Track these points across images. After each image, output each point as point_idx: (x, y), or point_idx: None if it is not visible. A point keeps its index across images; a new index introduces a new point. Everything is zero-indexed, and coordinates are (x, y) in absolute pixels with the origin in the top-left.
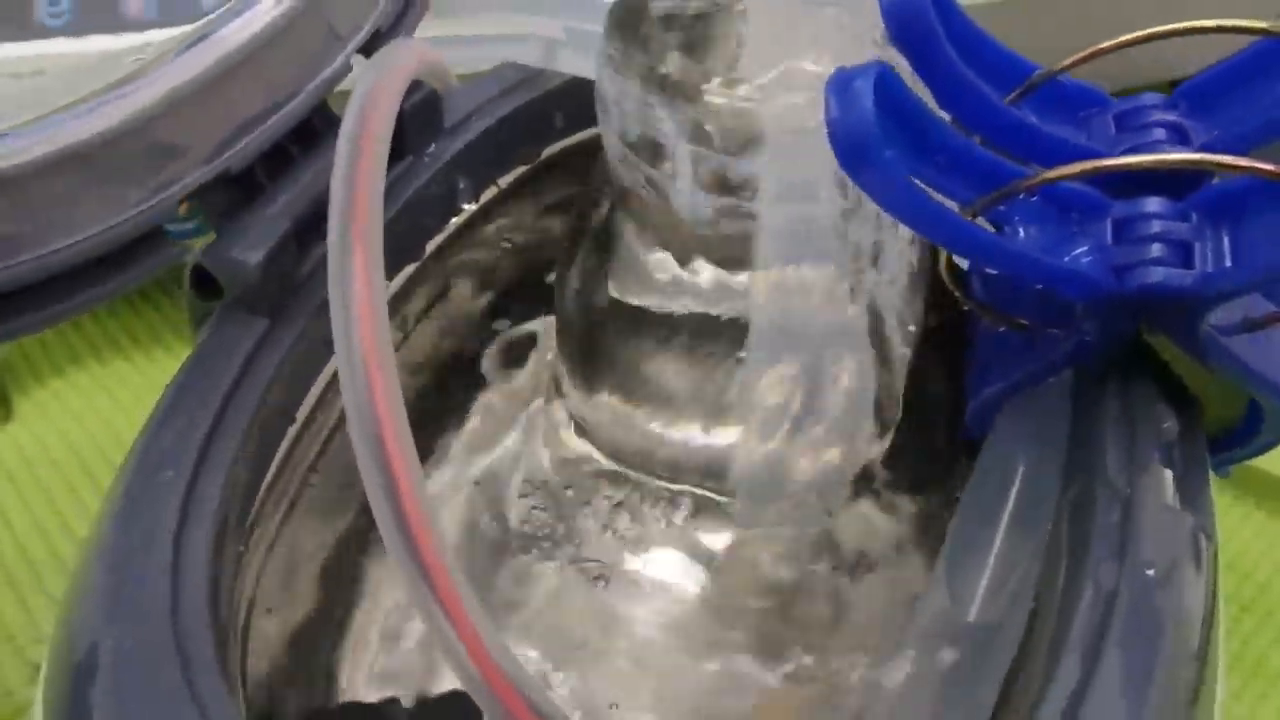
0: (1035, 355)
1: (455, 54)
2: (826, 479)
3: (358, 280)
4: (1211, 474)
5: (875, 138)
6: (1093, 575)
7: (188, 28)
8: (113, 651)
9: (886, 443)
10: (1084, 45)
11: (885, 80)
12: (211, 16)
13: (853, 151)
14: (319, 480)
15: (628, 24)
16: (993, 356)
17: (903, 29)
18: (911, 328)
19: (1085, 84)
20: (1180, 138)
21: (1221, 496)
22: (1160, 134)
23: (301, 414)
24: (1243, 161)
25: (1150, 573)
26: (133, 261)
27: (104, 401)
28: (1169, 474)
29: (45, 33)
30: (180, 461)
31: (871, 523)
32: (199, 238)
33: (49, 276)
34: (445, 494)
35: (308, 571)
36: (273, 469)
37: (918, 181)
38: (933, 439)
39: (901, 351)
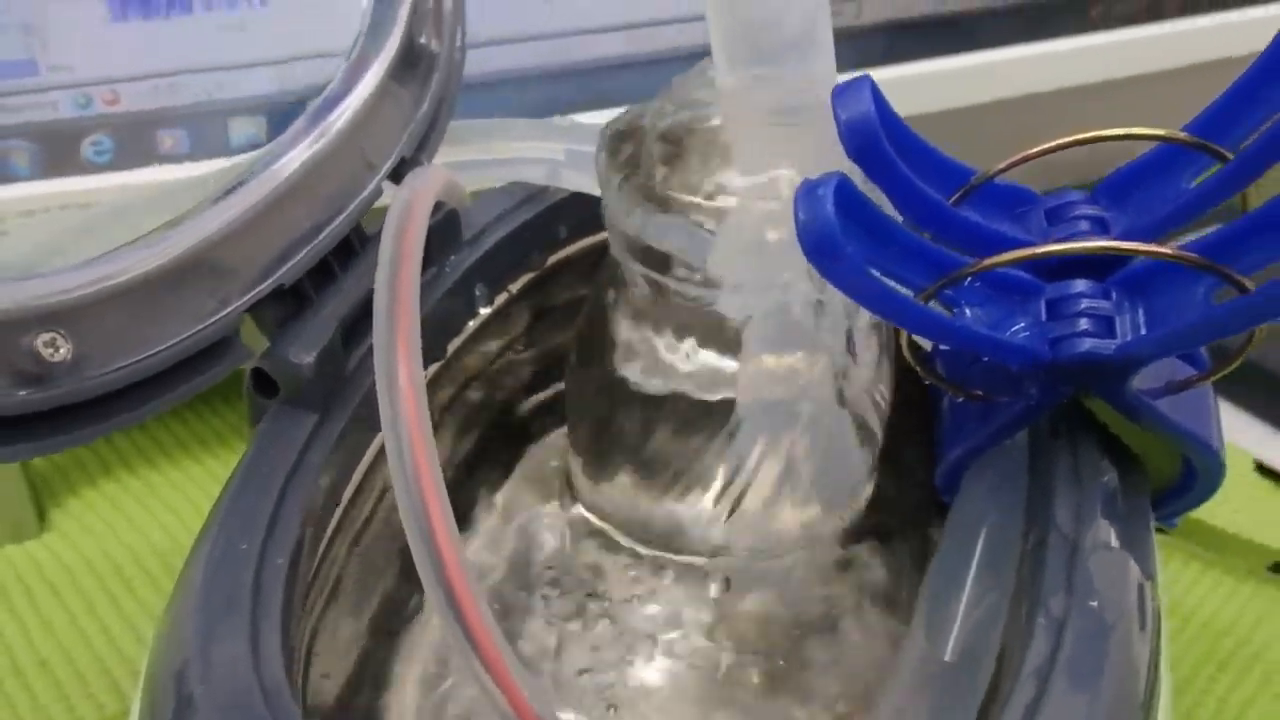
0: (991, 421)
1: (469, 175)
2: (813, 538)
3: (403, 378)
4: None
5: (836, 236)
6: (1044, 608)
7: (226, 162)
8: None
9: (865, 502)
10: (1017, 147)
11: (844, 188)
12: (263, 152)
13: (818, 249)
14: (361, 552)
15: (620, 143)
16: (956, 423)
17: (858, 146)
18: (883, 399)
19: (1017, 185)
20: (1101, 227)
21: (1192, 562)
22: (1084, 225)
23: (347, 494)
24: (1145, 246)
25: (1094, 604)
26: (200, 370)
27: (135, 510)
28: (1111, 521)
29: (91, 169)
30: (252, 536)
31: (857, 574)
32: None
33: (123, 388)
34: (477, 564)
35: (355, 629)
36: (324, 543)
37: (876, 272)
38: (911, 496)
39: (874, 420)
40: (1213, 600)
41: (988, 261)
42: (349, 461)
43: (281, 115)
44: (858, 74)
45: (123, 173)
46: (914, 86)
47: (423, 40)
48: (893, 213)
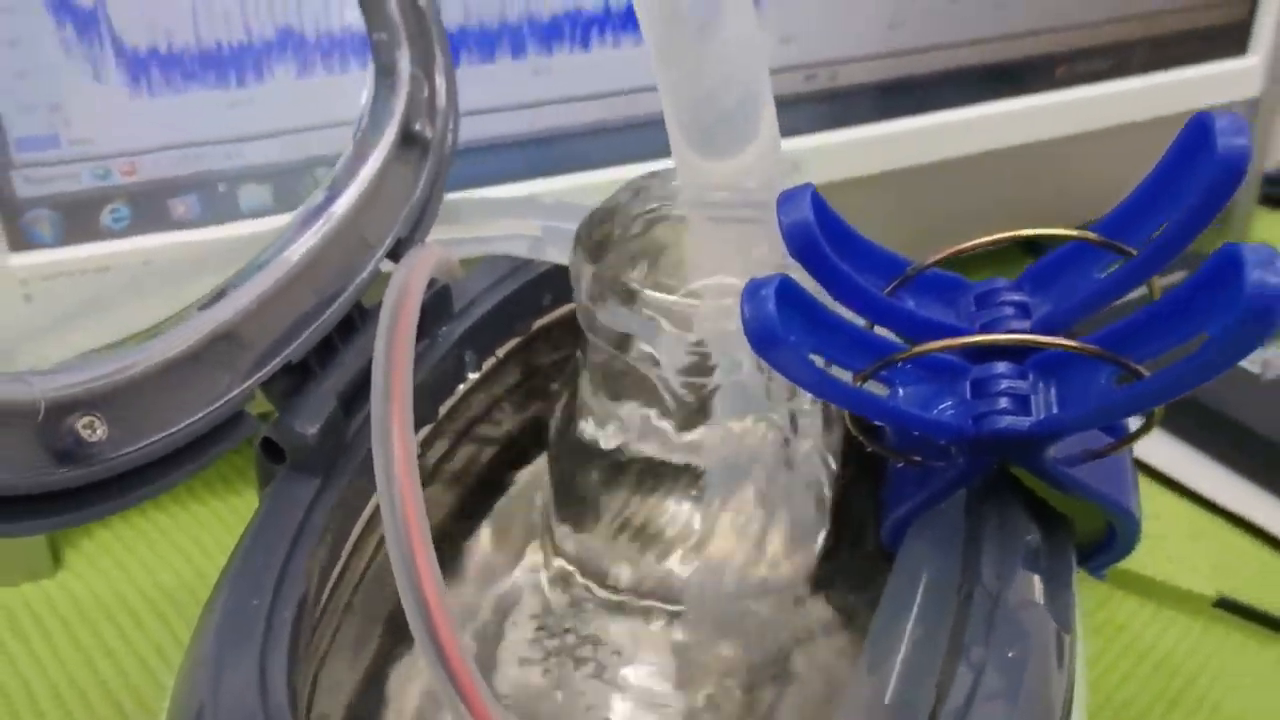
0: (928, 484)
1: (460, 250)
2: (772, 586)
3: (397, 448)
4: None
5: (776, 330)
6: (966, 657)
7: (235, 227)
8: None
9: (818, 553)
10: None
11: (785, 287)
12: (274, 239)
13: (761, 341)
14: (359, 603)
15: (594, 234)
16: (899, 484)
17: (799, 249)
18: (832, 461)
19: (949, 273)
20: (1024, 312)
21: (1148, 602)
22: (1009, 310)
23: (346, 550)
24: (1053, 339)
25: (1010, 654)
26: (216, 442)
27: (145, 551)
28: (1032, 575)
29: (110, 235)
30: (263, 590)
31: (813, 620)
32: None
33: (147, 463)
34: (463, 610)
35: (350, 678)
36: (326, 595)
37: (819, 357)
38: (862, 549)
39: (824, 479)
40: (1166, 639)
41: (916, 349)
42: (348, 521)
43: (287, 182)
44: (834, 133)
45: (139, 238)
46: (891, 143)
47: (418, 128)
48: (835, 305)
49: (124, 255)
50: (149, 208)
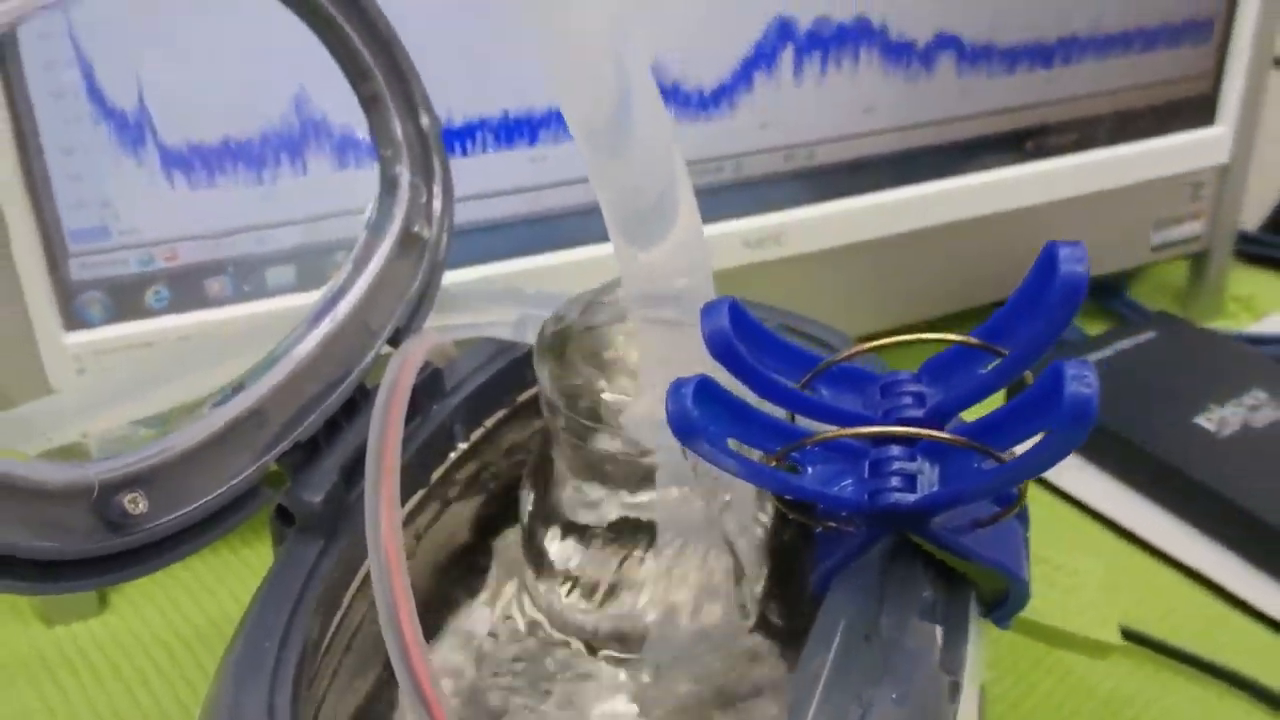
0: (844, 545)
1: (452, 334)
2: (717, 633)
3: (384, 521)
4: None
5: (694, 424)
6: (858, 698)
7: (264, 304)
8: None
9: (756, 604)
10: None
11: (704, 385)
12: (288, 334)
13: (681, 433)
14: (354, 651)
15: (552, 347)
16: (824, 542)
17: (718, 353)
18: (764, 523)
19: (859, 367)
20: (919, 402)
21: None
22: (908, 400)
23: (344, 602)
24: (929, 431)
25: (894, 695)
26: (236, 512)
27: (182, 595)
28: (929, 625)
29: (152, 314)
30: (273, 636)
31: (757, 662)
32: None
33: (177, 532)
34: (448, 653)
35: (345, 712)
36: (327, 639)
37: (738, 442)
38: (798, 598)
39: (757, 537)
40: (1080, 673)
41: (817, 437)
42: (347, 576)
43: (309, 261)
44: (812, 207)
45: (178, 315)
46: (865, 216)
47: (416, 230)
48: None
49: (165, 332)
50: (187, 288)
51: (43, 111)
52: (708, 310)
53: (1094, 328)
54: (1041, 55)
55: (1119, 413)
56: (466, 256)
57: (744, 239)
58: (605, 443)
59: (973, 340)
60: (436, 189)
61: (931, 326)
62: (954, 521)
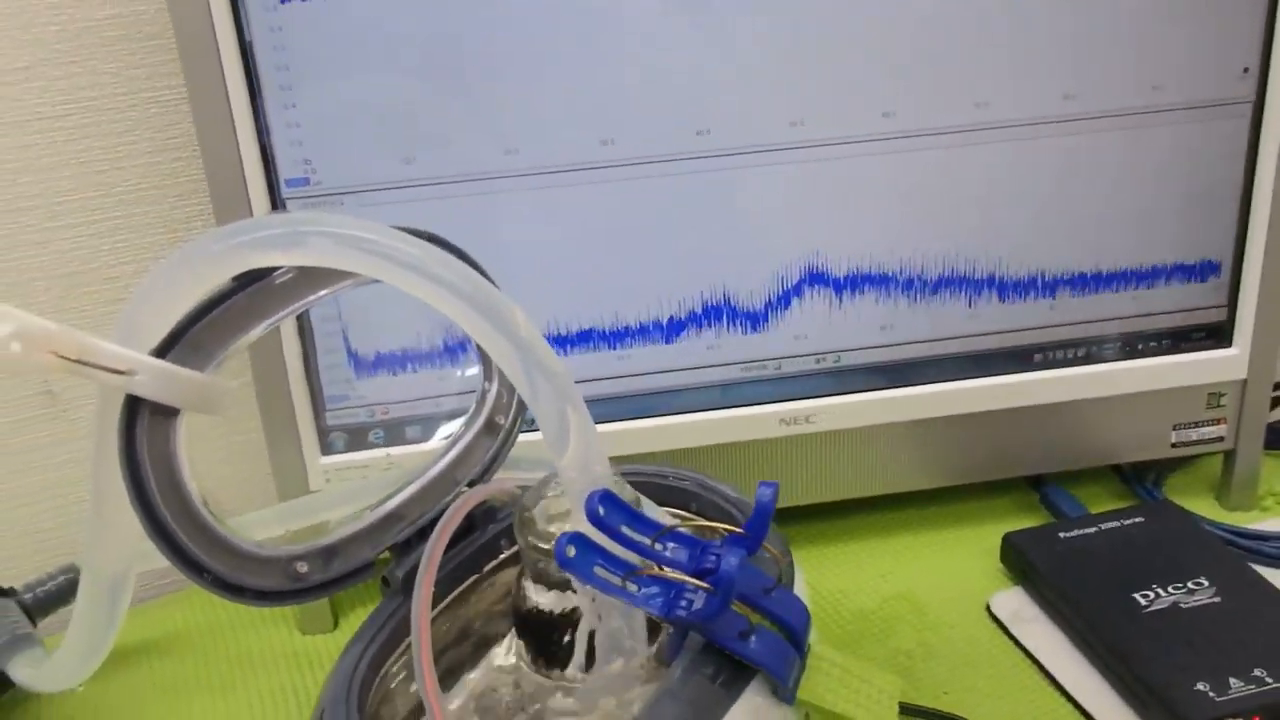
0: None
1: (512, 482)
2: (625, 679)
3: (419, 601)
4: None
5: (567, 561)
6: (672, 694)
7: (430, 446)
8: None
9: (646, 660)
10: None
11: (579, 538)
12: (408, 478)
13: (560, 561)
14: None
15: (523, 507)
16: (673, 631)
17: (594, 523)
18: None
19: (687, 532)
20: (716, 560)
21: None
22: (712, 558)
23: (401, 648)
24: (689, 579)
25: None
26: (359, 575)
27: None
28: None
29: (371, 446)
30: (363, 641)
31: (641, 686)
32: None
33: (324, 583)
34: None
35: (403, 709)
36: (391, 659)
37: (605, 569)
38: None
39: (643, 623)
40: None
41: (637, 572)
42: (404, 628)
43: (437, 423)
44: (837, 398)
45: (385, 449)
46: (881, 406)
47: (497, 419)
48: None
49: (379, 459)
50: (394, 432)
51: (319, 333)
52: (589, 499)
53: (1112, 505)
54: (1046, 288)
55: (1075, 576)
56: None
57: (781, 418)
58: (540, 558)
59: (740, 530)
60: (514, 398)
61: (934, 494)
62: (736, 628)
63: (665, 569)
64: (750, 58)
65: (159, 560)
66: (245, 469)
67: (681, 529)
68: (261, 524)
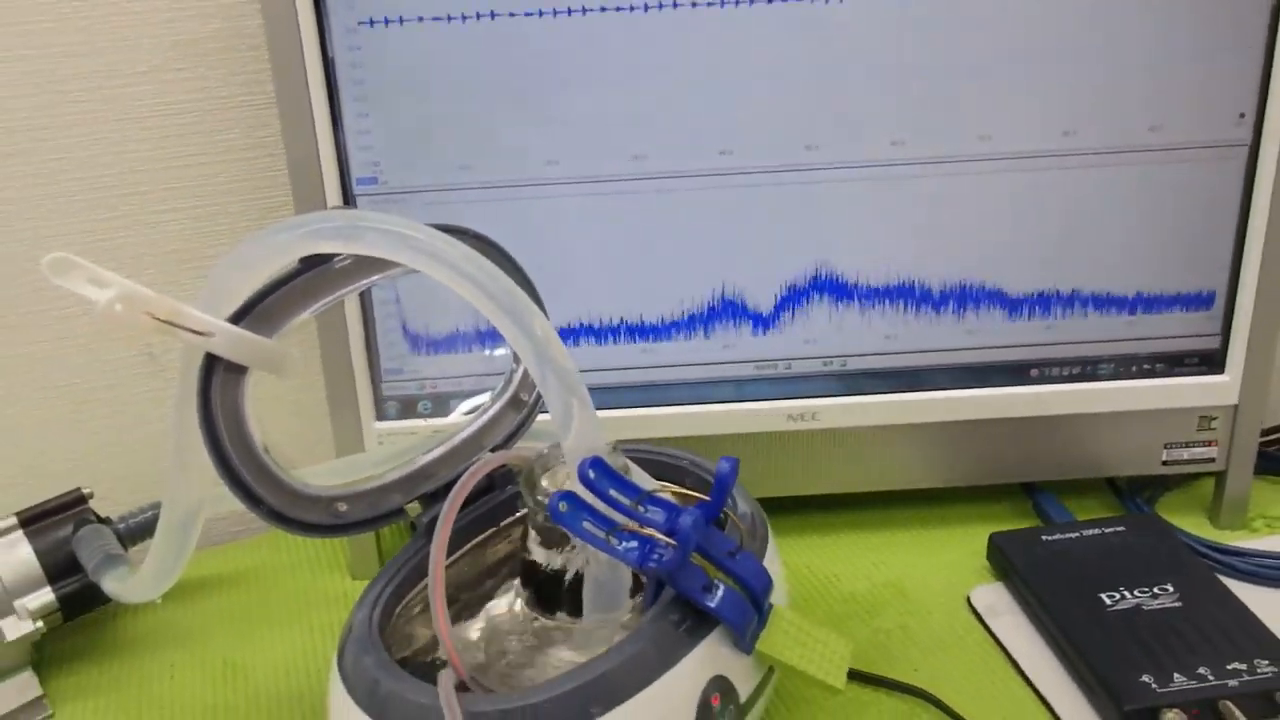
0: (653, 584)
1: (527, 451)
2: (611, 627)
3: (437, 543)
4: None
5: (559, 515)
6: (642, 633)
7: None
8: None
9: (630, 611)
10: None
11: (570, 495)
12: (443, 437)
13: (555, 518)
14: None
15: (532, 469)
16: (650, 581)
17: (586, 486)
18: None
19: (665, 498)
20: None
21: None
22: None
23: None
24: (661, 536)
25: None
26: (391, 518)
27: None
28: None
29: (420, 415)
30: (387, 576)
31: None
32: None
33: (360, 521)
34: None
35: (422, 635)
36: (411, 591)
37: (592, 526)
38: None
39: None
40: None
41: (618, 527)
42: (424, 566)
43: (467, 399)
44: (844, 399)
45: (434, 419)
46: (883, 408)
47: (523, 396)
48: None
49: (427, 426)
50: (440, 405)
51: (379, 313)
52: (580, 464)
53: (1100, 514)
54: (1045, 309)
55: (1049, 575)
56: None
57: (788, 414)
58: (544, 522)
59: (705, 497)
60: None
61: (932, 494)
62: (701, 581)
63: (644, 527)
64: (771, 89)
65: (228, 504)
66: (310, 425)
67: (660, 495)
68: (314, 476)
